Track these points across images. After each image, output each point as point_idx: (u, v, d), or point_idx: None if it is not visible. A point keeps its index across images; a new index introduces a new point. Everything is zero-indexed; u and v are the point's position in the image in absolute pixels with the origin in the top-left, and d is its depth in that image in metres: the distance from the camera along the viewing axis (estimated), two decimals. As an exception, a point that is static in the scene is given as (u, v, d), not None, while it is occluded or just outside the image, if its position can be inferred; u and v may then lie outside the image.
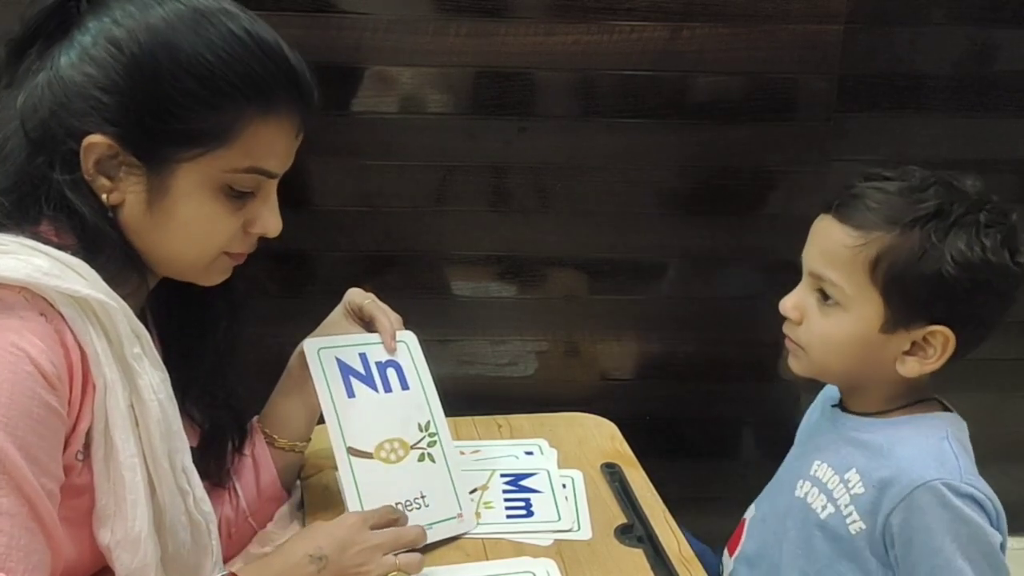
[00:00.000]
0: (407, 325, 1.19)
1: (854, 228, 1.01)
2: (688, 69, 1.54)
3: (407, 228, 1.57)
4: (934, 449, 1.00)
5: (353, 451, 1.08)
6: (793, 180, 1.62)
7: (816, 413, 1.21)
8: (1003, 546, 0.99)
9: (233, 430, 1.06)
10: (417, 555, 1.00)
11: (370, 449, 1.09)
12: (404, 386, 1.14)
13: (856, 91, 1.58)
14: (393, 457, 1.10)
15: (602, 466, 1.29)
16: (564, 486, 1.23)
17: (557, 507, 1.18)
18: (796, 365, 1.10)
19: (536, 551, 1.10)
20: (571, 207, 1.59)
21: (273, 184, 0.92)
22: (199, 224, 0.88)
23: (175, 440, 0.89)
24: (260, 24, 0.87)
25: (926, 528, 0.97)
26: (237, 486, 1.09)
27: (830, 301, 1.03)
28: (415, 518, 1.07)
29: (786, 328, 1.09)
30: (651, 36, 1.51)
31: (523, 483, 1.23)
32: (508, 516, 1.16)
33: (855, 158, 1.63)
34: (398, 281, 1.60)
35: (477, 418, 1.41)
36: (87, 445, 0.82)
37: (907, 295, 0.99)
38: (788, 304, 1.08)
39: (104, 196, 0.85)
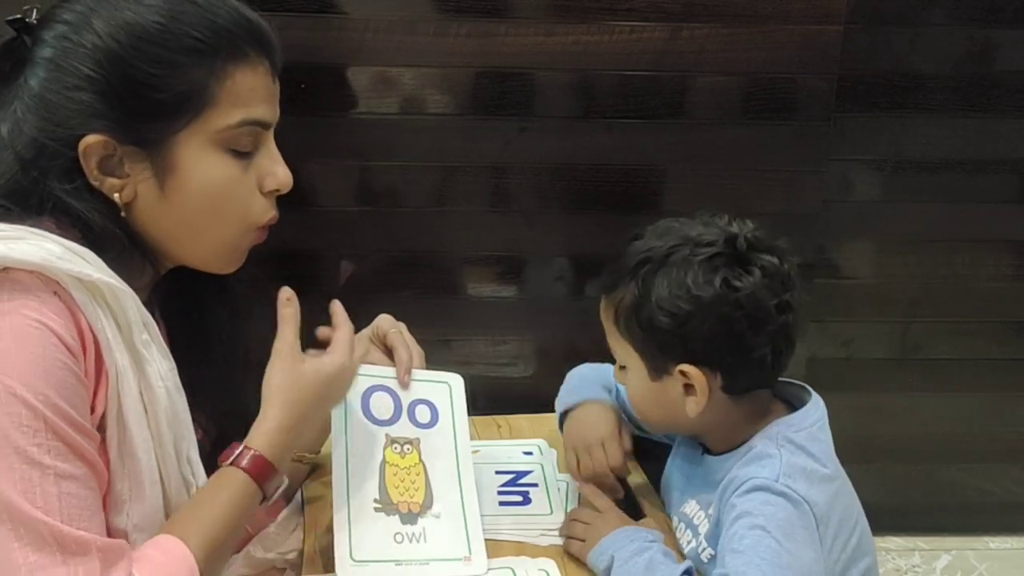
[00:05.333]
0: (409, 326, 1.19)
1: (605, 293, 1.05)
2: (688, 69, 1.54)
3: (408, 228, 1.57)
4: (761, 456, 0.97)
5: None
6: (793, 180, 1.62)
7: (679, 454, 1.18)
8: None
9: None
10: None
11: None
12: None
13: (855, 91, 1.58)
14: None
15: (602, 466, 1.29)
16: (559, 489, 1.22)
17: (550, 503, 1.18)
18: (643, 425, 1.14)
19: (536, 551, 1.10)
20: (571, 207, 1.60)
21: (270, 136, 0.93)
22: (215, 190, 0.89)
23: (182, 429, 0.90)
24: None
25: (735, 509, 0.94)
26: None
27: (622, 366, 1.07)
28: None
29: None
30: (651, 36, 1.52)
31: (521, 482, 1.23)
32: (501, 504, 1.17)
33: (854, 158, 1.63)
34: (399, 281, 1.60)
35: (477, 418, 1.41)
36: (101, 430, 0.83)
37: (646, 343, 1.00)
38: (616, 376, 1.12)
39: (116, 196, 0.86)
